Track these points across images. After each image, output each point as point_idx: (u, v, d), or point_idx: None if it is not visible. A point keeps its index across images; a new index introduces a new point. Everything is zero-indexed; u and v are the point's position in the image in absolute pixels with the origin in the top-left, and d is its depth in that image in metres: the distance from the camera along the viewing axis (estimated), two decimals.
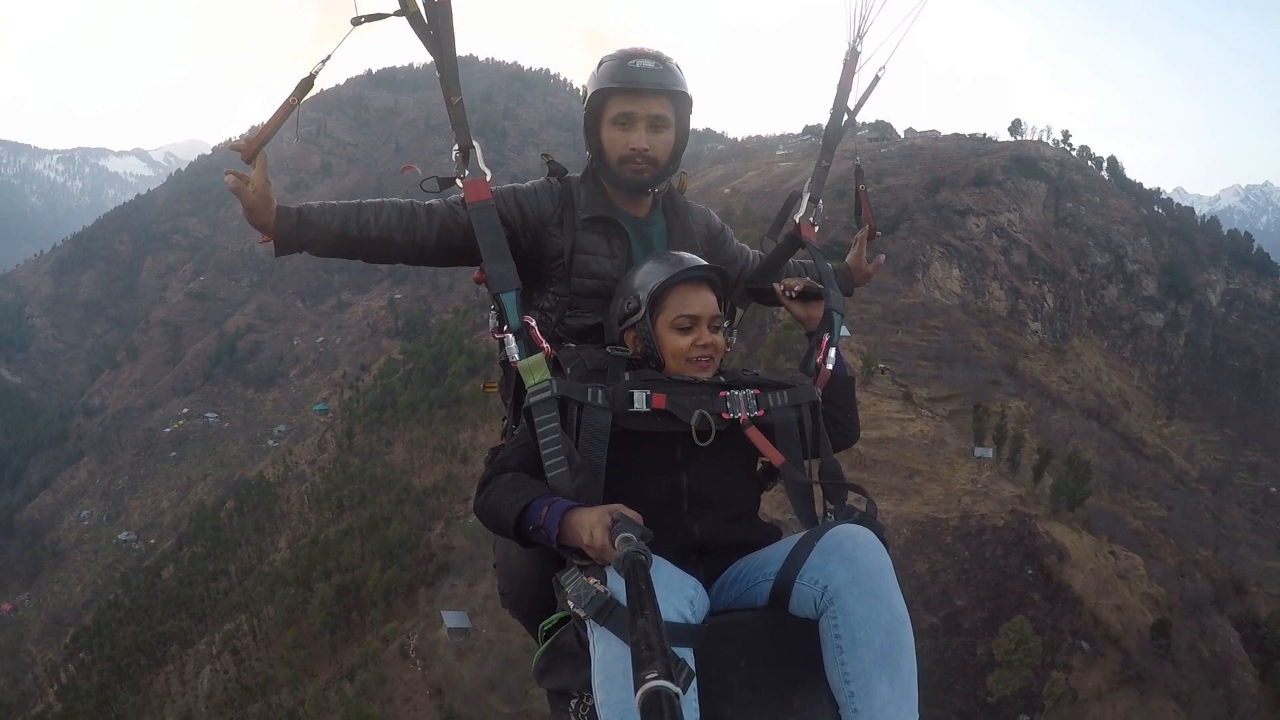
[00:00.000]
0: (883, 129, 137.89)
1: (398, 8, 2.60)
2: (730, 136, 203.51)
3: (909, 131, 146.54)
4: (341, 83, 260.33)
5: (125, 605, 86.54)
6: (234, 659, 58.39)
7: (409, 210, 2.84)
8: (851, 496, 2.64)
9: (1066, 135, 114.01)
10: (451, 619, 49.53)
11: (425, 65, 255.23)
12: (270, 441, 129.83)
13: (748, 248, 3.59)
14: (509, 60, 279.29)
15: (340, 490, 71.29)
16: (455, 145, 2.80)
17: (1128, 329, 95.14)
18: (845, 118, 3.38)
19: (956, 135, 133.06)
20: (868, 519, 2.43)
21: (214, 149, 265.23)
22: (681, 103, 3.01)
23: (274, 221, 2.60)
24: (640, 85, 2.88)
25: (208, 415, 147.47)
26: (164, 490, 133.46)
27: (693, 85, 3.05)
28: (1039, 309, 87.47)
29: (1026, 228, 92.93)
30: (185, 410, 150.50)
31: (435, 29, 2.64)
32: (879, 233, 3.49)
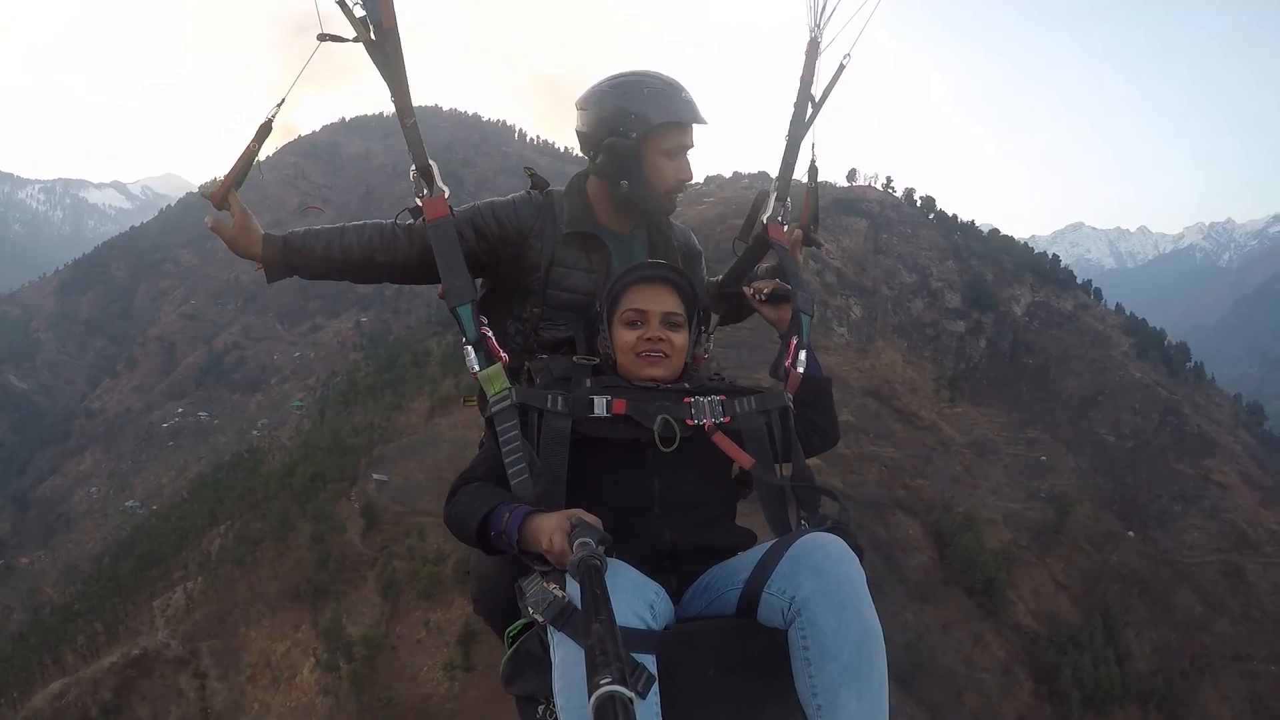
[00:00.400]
0: (762, 177, 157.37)
1: (354, 35, 2.70)
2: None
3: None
4: (318, 129, 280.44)
5: (134, 540, 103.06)
6: (234, 534, 76.71)
7: (389, 231, 2.93)
8: (826, 504, 2.63)
9: (889, 181, 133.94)
10: (377, 473, 75.64)
11: (325, 128, 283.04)
12: (255, 432, 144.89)
13: (709, 281, 3.61)
14: (470, 111, 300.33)
15: (314, 444, 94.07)
16: (413, 165, 2.86)
17: (930, 334, 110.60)
18: (809, 110, 3.36)
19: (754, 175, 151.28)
20: (840, 527, 2.42)
21: (200, 187, 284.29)
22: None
23: (260, 250, 2.79)
24: (698, 120, 2.98)
25: (200, 414, 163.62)
26: (164, 470, 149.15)
27: None
28: (845, 318, 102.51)
29: (843, 255, 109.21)
30: (180, 410, 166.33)
31: (384, 53, 2.71)
32: (814, 233, 3.49)
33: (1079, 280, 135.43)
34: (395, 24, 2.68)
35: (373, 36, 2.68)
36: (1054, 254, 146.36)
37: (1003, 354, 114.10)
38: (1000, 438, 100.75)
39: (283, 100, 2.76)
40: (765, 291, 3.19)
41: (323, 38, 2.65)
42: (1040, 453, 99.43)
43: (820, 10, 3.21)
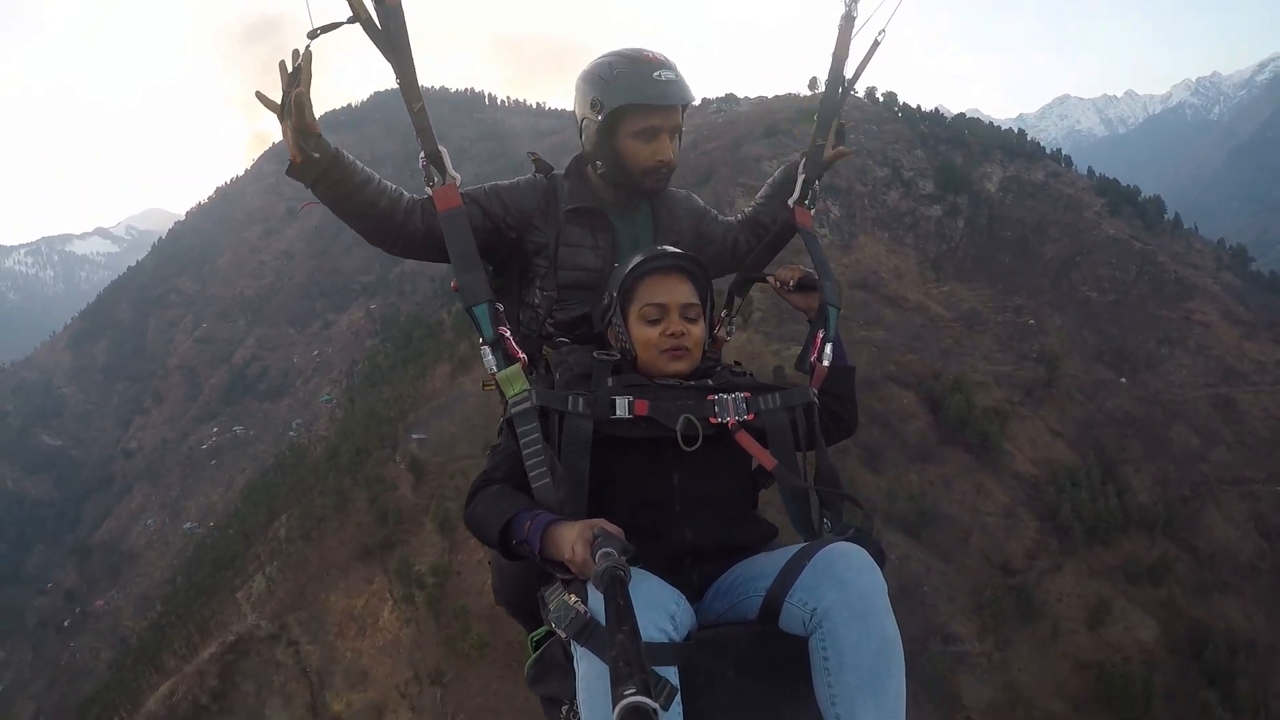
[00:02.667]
0: (731, 101, 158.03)
1: (349, 15, 2.57)
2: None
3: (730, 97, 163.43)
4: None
5: (202, 553, 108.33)
6: (296, 518, 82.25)
7: (410, 200, 2.91)
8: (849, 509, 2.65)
9: (849, 82, 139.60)
10: (415, 433, 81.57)
11: (361, 103, 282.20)
12: (291, 433, 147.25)
13: (733, 220, 3.57)
14: (435, 86, 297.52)
15: (351, 425, 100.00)
16: (421, 152, 2.78)
17: (909, 222, 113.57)
18: (842, 87, 3.31)
19: (761, 98, 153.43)
20: (863, 536, 2.44)
21: (187, 213, 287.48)
22: (685, 111, 3.06)
23: (315, 143, 2.63)
24: (670, 101, 2.91)
25: (235, 429, 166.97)
26: (212, 488, 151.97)
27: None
28: (825, 219, 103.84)
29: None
30: (215, 430, 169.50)
31: (389, 33, 2.60)
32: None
33: (1067, 151, 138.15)
34: (399, 0, 2.59)
35: (374, 15, 2.59)
36: (1021, 130, 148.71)
37: (981, 231, 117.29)
38: (987, 309, 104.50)
39: (323, 28, 2.55)
40: (792, 281, 3.17)
41: (312, 34, 2.53)
42: (1027, 317, 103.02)
43: None
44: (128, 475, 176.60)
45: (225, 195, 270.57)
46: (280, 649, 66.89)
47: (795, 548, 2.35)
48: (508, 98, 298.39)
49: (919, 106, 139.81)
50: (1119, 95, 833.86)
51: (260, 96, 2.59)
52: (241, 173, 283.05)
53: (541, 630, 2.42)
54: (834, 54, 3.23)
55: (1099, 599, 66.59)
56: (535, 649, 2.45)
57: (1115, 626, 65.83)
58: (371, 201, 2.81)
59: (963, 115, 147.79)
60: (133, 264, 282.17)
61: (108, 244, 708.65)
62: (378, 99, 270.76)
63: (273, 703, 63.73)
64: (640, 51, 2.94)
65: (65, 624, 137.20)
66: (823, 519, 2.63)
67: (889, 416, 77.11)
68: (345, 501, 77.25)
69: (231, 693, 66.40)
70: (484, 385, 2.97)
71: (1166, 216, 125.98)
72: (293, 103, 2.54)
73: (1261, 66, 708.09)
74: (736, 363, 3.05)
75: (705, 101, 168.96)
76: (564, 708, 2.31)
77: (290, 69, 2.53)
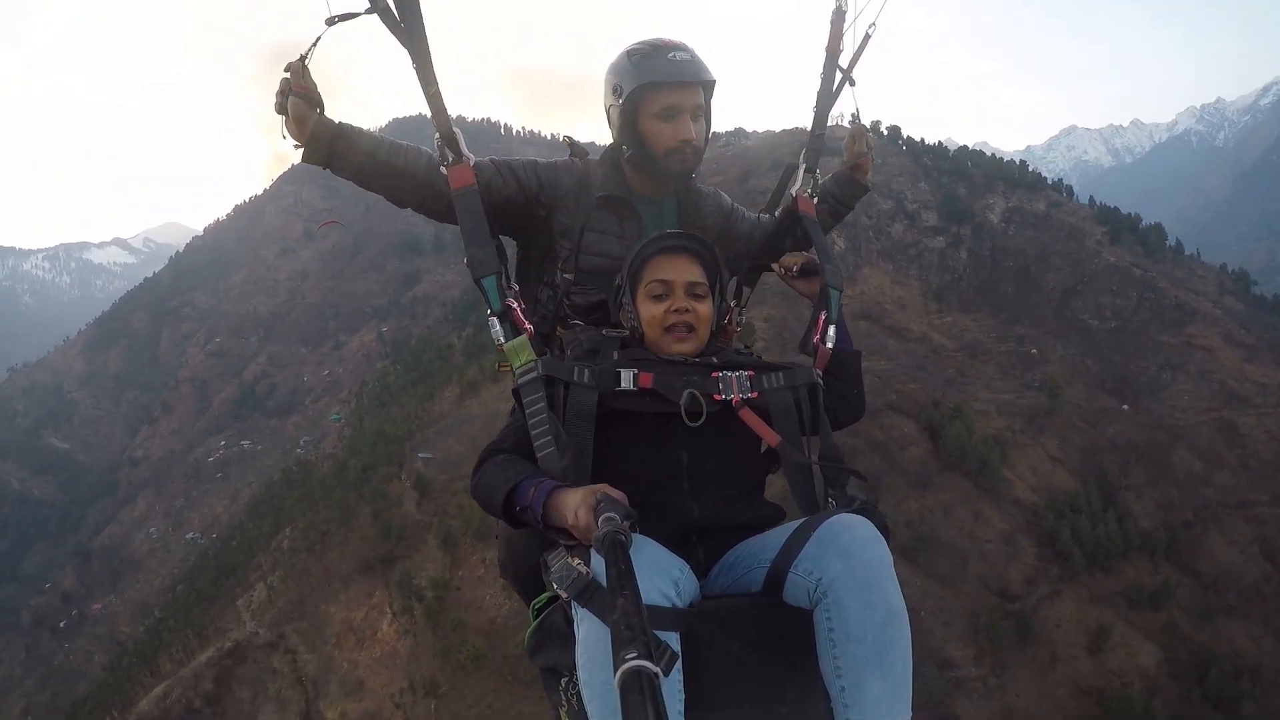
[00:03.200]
0: (740, 135, 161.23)
1: (367, 6, 2.64)
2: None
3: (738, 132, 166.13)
4: None
5: (205, 562, 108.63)
6: (300, 530, 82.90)
7: (432, 157, 2.95)
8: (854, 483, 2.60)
9: (855, 115, 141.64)
10: (421, 452, 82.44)
11: (382, 127, 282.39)
12: (298, 450, 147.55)
13: (763, 217, 3.66)
14: (453, 114, 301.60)
15: (359, 442, 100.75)
16: (436, 133, 2.87)
17: (913, 254, 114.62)
18: (836, 81, 3.41)
19: (769, 132, 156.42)
20: (868, 508, 2.42)
21: (205, 229, 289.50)
22: (710, 90, 3.12)
23: (314, 124, 2.73)
24: (684, 78, 2.98)
25: (243, 443, 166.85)
26: (216, 500, 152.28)
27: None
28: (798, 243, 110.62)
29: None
30: (223, 443, 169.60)
31: (405, 21, 2.66)
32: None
33: (1075, 182, 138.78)
34: None
35: (392, 5, 2.67)
36: (1023, 161, 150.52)
37: (984, 261, 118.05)
38: (989, 339, 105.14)
39: (309, 53, 2.71)
40: (796, 267, 3.23)
41: (330, 21, 2.62)
42: (1029, 346, 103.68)
43: None
44: (133, 483, 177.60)
45: (244, 213, 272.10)
46: (277, 657, 67.44)
47: (799, 521, 2.37)
48: (522, 128, 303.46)
49: (923, 140, 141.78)
50: (1125, 125, 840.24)
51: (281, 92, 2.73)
52: (260, 192, 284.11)
53: (544, 597, 2.45)
54: (827, 48, 3.37)
55: (1099, 625, 66.62)
56: (536, 617, 2.47)
57: (1116, 653, 65.88)
58: (386, 163, 2.90)
59: (966, 148, 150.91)
60: (149, 275, 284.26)
61: (125, 255, 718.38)
62: (396, 125, 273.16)
63: (266, 709, 64.25)
64: (657, 38, 3.06)
65: (61, 625, 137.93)
66: (828, 497, 2.62)
67: (889, 445, 77.65)
68: (350, 516, 78.02)
69: (225, 697, 66.95)
70: (499, 366, 3.01)
71: (1168, 243, 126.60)
72: (294, 72, 2.70)
73: (1265, 90, 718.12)
74: (746, 346, 3.11)
75: (715, 135, 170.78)
76: (563, 679, 2.32)
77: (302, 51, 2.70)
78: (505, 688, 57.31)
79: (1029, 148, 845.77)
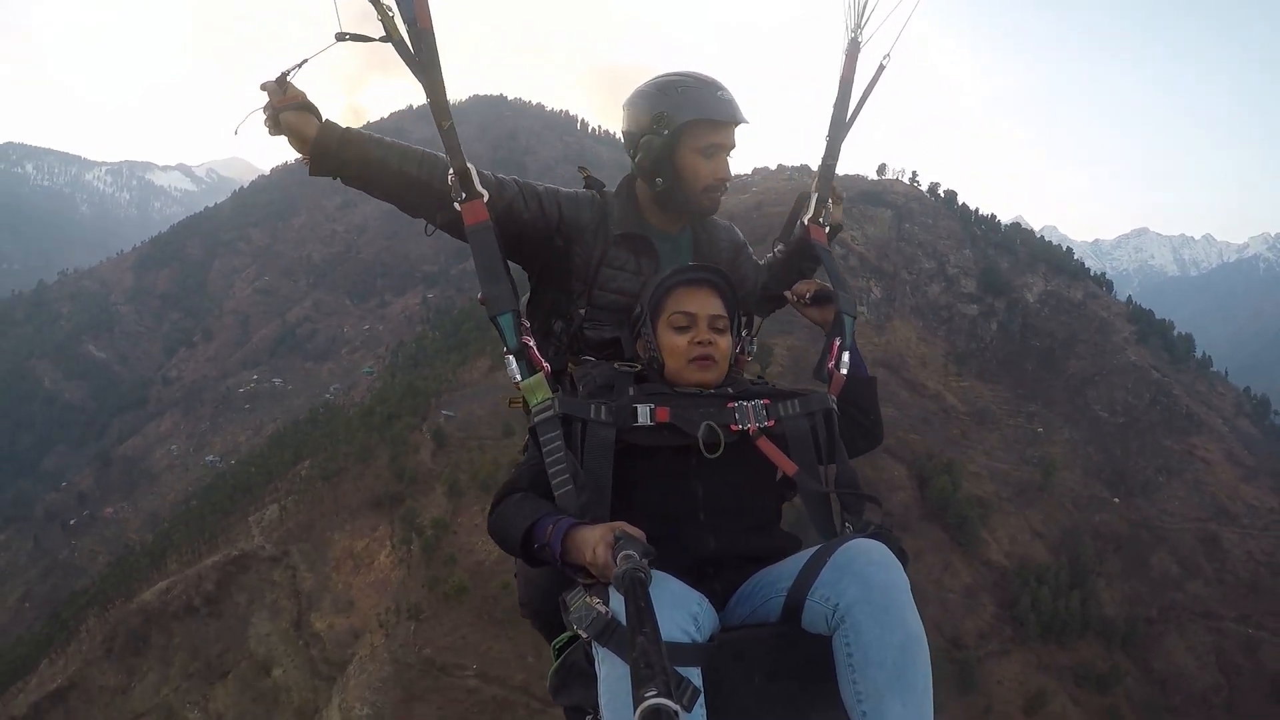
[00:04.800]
0: (803, 169, 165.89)
1: (382, 33, 2.62)
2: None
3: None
4: (386, 116, 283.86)
5: (222, 481, 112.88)
6: (320, 462, 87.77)
7: (448, 164, 2.80)
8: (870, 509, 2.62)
9: (915, 175, 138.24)
10: (445, 410, 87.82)
11: (461, 101, 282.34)
12: (327, 395, 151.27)
13: (763, 264, 3.64)
14: (534, 102, 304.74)
15: (388, 393, 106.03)
16: (449, 169, 2.76)
17: (945, 316, 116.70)
18: (850, 111, 3.38)
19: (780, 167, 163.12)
20: (884, 532, 2.40)
21: (271, 169, 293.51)
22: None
23: (317, 132, 2.66)
24: (735, 119, 2.99)
25: (274, 380, 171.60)
26: (240, 429, 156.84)
27: None
28: (865, 297, 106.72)
29: (867, 241, 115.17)
30: (255, 377, 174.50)
31: (420, 55, 2.65)
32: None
33: (1138, 284, 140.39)
34: (431, 25, 2.64)
35: (406, 38, 2.64)
36: (1069, 248, 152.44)
37: (1012, 336, 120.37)
38: (1001, 410, 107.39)
39: (303, 62, 2.67)
40: (809, 294, 3.24)
41: (341, 37, 2.57)
42: (1037, 424, 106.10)
43: (860, 10, 3.24)
44: (162, 400, 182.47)
45: None
46: (279, 571, 72.45)
47: (815, 548, 2.34)
48: (599, 126, 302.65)
49: (976, 210, 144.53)
50: (1197, 237, 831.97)
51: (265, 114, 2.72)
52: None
53: (564, 636, 2.39)
54: (840, 79, 3.34)
55: (1040, 690, 69.05)
56: (558, 657, 2.40)
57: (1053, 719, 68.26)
58: (399, 171, 2.80)
59: (1018, 225, 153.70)
60: (209, 205, 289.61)
61: (187, 181, 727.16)
62: (476, 101, 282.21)
63: (260, 615, 69.34)
64: (699, 73, 3.04)
65: (71, 522, 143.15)
66: (844, 523, 2.59)
67: (878, 484, 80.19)
68: (369, 455, 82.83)
69: (224, 600, 72.09)
70: (510, 403, 3.04)
71: (1195, 355, 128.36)
72: (271, 91, 2.68)
73: None
74: (759, 375, 3.10)
75: (781, 168, 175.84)
76: (588, 718, 2.27)
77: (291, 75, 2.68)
78: (480, 624, 62.15)
79: (1097, 241, 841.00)
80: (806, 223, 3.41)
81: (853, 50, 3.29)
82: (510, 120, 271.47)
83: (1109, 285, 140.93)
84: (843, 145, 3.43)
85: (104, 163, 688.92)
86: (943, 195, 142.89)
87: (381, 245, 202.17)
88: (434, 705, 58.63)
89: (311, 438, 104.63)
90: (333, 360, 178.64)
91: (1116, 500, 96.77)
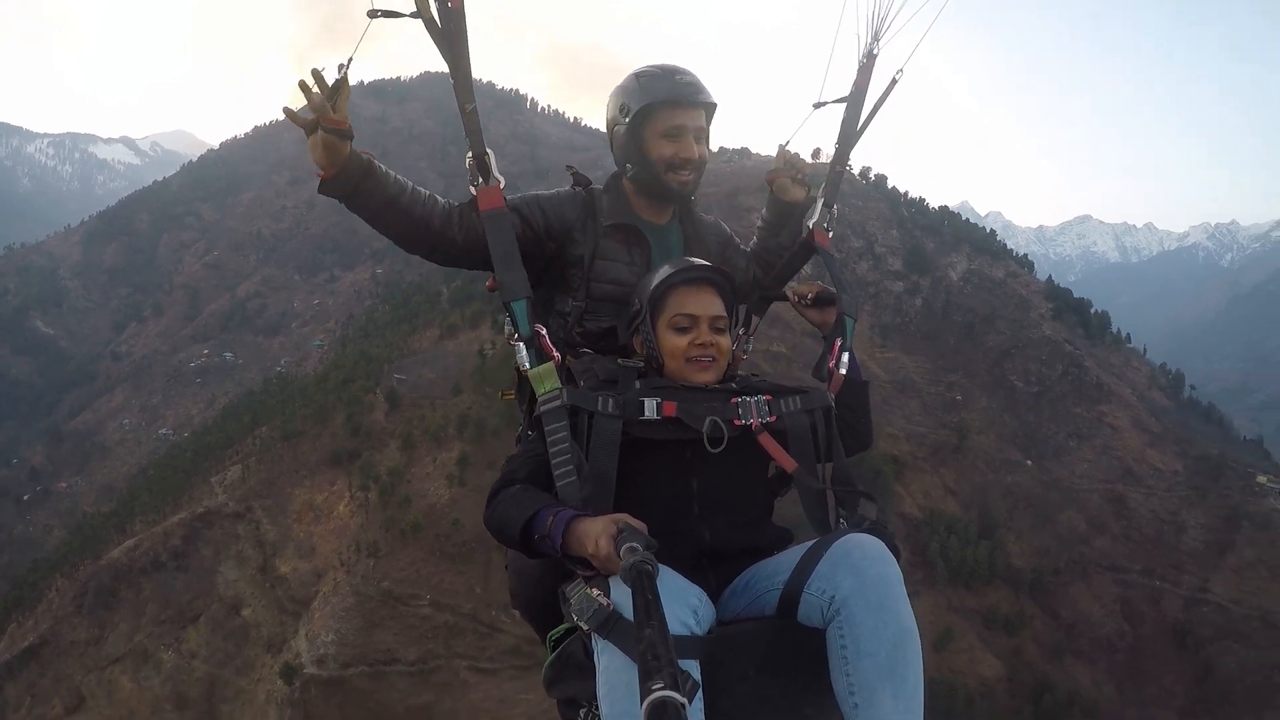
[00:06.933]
0: (744, 154, 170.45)
1: (413, 9, 2.62)
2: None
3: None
4: None
5: (183, 446, 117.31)
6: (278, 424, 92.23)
7: (447, 207, 2.92)
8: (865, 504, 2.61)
9: (870, 116, 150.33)
10: (398, 374, 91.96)
11: (411, 78, 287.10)
12: (278, 369, 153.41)
13: (747, 252, 3.63)
14: (484, 80, 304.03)
15: (342, 360, 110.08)
16: (469, 152, 2.83)
17: (871, 292, 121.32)
18: (861, 122, 3.38)
19: (769, 157, 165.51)
20: (879, 527, 2.41)
21: (220, 144, 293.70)
22: (711, 113, 3.14)
23: (346, 157, 2.67)
24: (691, 99, 3.02)
25: (225, 354, 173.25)
26: (193, 403, 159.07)
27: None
28: (795, 277, 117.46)
29: None
30: (205, 351, 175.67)
31: (449, 33, 2.66)
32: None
33: (1079, 270, 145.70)
34: (463, 4, 2.65)
35: (435, 15, 2.66)
36: (993, 230, 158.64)
37: (935, 312, 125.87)
38: (922, 379, 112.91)
39: (351, 58, 2.63)
40: (810, 296, 3.24)
41: (374, 14, 2.56)
42: (956, 393, 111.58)
43: (877, 25, 3.26)
44: (112, 376, 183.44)
45: (262, 135, 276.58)
46: (242, 525, 77.10)
47: (811, 542, 2.35)
48: (548, 106, 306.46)
49: (905, 193, 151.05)
50: (1139, 225, 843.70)
51: (288, 113, 2.74)
52: (281, 117, 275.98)
53: (560, 629, 2.42)
54: (853, 87, 3.35)
55: (948, 628, 74.55)
56: (553, 650, 2.43)
57: (960, 655, 73.65)
58: (406, 211, 2.84)
59: (946, 208, 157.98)
60: (155, 179, 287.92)
61: (130, 154, 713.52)
62: (426, 78, 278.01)
63: (227, 564, 74.07)
64: (665, 63, 3.10)
65: (25, 498, 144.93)
66: (839, 519, 2.61)
67: None
68: (325, 416, 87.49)
69: (191, 555, 76.40)
70: (502, 394, 3.13)
71: (1112, 331, 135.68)
72: (323, 101, 2.60)
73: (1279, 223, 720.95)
74: (754, 372, 3.10)
75: (722, 150, 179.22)
76: (582, 710, 2.32)
77: (317, 87, 2.60)
78: (433, 559, 68.09)
79: (1041, 227, 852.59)
80: (811, 227, 3.41)
81: (868, 62, 3.32)
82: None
83: (1030, 265, 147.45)
84: (851, 154, 3.47)
85: (45, 134, 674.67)
86: (873, 179, 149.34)
87: (331, 221, 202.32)
88: (392, 631, 64.63)
89: (267, 405, 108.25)
90: (283, 334, 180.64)
91: (1029, 463, 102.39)
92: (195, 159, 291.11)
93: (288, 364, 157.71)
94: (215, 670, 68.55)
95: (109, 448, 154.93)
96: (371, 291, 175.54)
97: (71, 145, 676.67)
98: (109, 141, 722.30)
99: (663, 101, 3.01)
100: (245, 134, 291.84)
